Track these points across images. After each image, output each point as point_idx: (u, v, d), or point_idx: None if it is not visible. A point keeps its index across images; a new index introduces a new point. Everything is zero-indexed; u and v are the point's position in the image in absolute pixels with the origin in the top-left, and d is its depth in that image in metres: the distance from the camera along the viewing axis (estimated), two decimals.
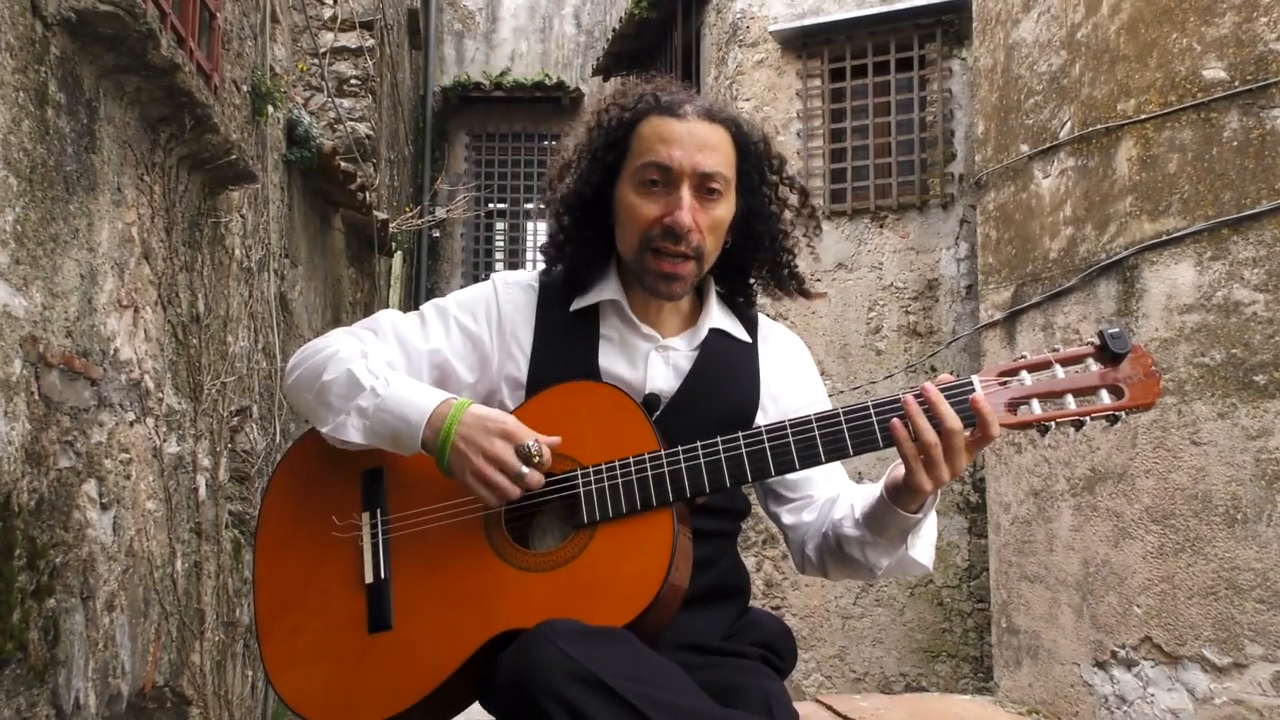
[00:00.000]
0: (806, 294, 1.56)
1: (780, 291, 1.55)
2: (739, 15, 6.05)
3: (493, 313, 1.49)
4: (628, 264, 1.46)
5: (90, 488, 1.92)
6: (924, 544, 1.42)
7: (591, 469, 1.31)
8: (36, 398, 1.71)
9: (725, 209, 1.43)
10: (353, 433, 1.36)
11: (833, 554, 1.46)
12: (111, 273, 2.04)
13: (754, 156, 1.45)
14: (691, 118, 1.41)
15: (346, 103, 5.54)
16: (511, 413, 1.41)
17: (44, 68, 1.72)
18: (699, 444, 1.30)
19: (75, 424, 1.86)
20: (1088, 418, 1.22)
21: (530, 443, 1.29)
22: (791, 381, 1.53)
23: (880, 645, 5.34)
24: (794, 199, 1.52)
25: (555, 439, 1.32)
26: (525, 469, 1.28)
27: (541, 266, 1.57)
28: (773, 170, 1.48)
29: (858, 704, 3.98)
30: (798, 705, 1.36)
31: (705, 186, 1.40)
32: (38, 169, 1.70)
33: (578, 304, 1.48)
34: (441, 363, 1.47)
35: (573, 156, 1.49)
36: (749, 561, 5.39)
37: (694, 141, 1.39)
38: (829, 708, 3.93)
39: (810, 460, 1.29)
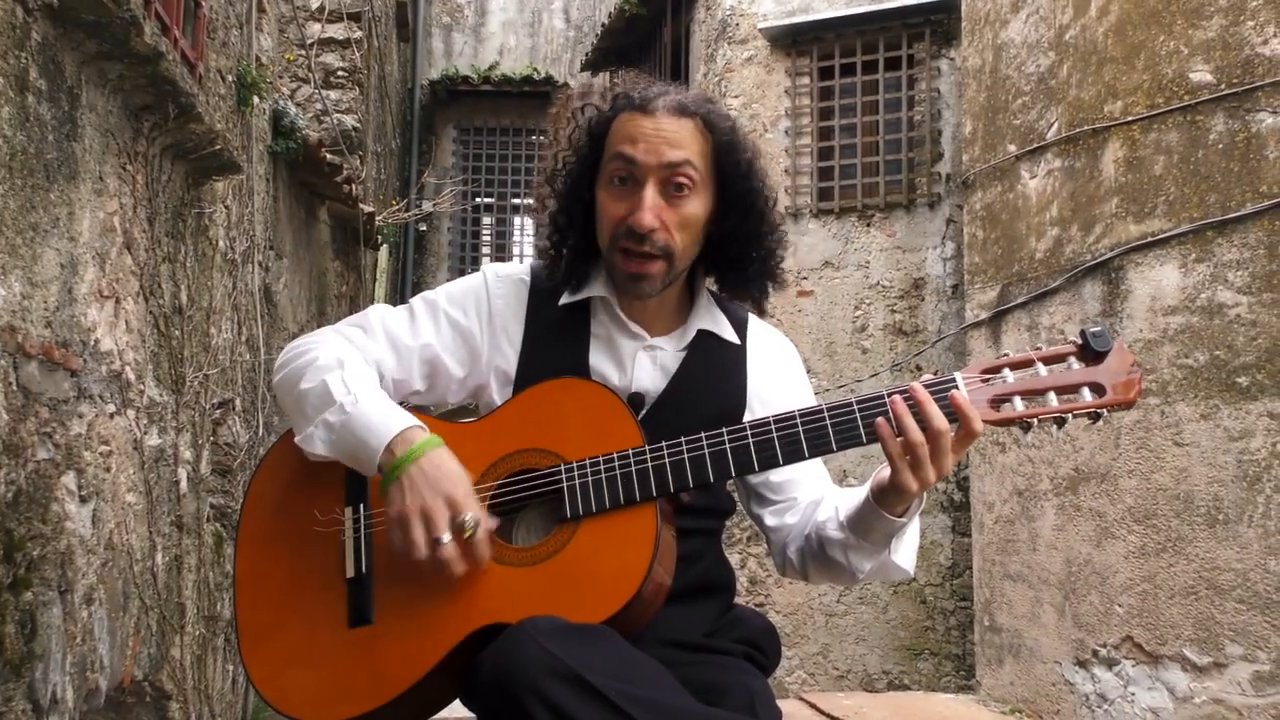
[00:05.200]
0: (761, 308, 1.53)
1: (754, 292, 1.52)
2: (728, 12, 6.05)
3: (483, 306, 1.49)
4: (606, 262, 1.45)
5: (69, 480, 1.90)
6: (906, 549, 1.42)
7: (575, 464, 1.30)
8: (15, 388, 1.69)
9: (696, 205, 1.40)
10: (319, 445, 1.34)
11: (815, 557, 1.45)
12: (92, 263, 2.02)
13: (726, 148, 1.42)
14: (660, 113, 1.39)
15: (333, 94, 5.50)
16: (498, 408, 1.41)
17: (24, 54, 1.70)
18: (683, 439, 1.30)
19: (54, 415, 1.84)
20: (1070, 415, 1.23)
21: (468, 517, 1.24)
22: (779, 384, 1.52)
23: (863, 643, 5.36)
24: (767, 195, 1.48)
25: (494, 523, 1.28)
26: (446, 536, 1.23)
27: (530, 259, 1.57)
28: (745, 166, 1.44)
29: (841, 702, 3.99)
30: (781, 703, 1.36)
31: (672, 180, 1.37)
32: (17, 156, 1.68)
33: (567, 299, 1.48)
34: (432, 358, 1.47)
35: (558, 165, 1.47)
36: (733, 559, 5.40)
37: (660, 136, 1.37)
38: (812, 705, 3.94)
39: (794, 455, 1.28)
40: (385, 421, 1.31)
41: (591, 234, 1.46)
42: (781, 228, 1.51)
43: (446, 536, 1.23)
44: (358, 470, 1.35)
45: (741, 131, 1.45)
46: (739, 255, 1.48)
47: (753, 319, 1.57)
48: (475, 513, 1.25)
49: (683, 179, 1.38)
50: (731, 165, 1.42)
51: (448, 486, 1.25)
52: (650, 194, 1.37)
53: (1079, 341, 1.26)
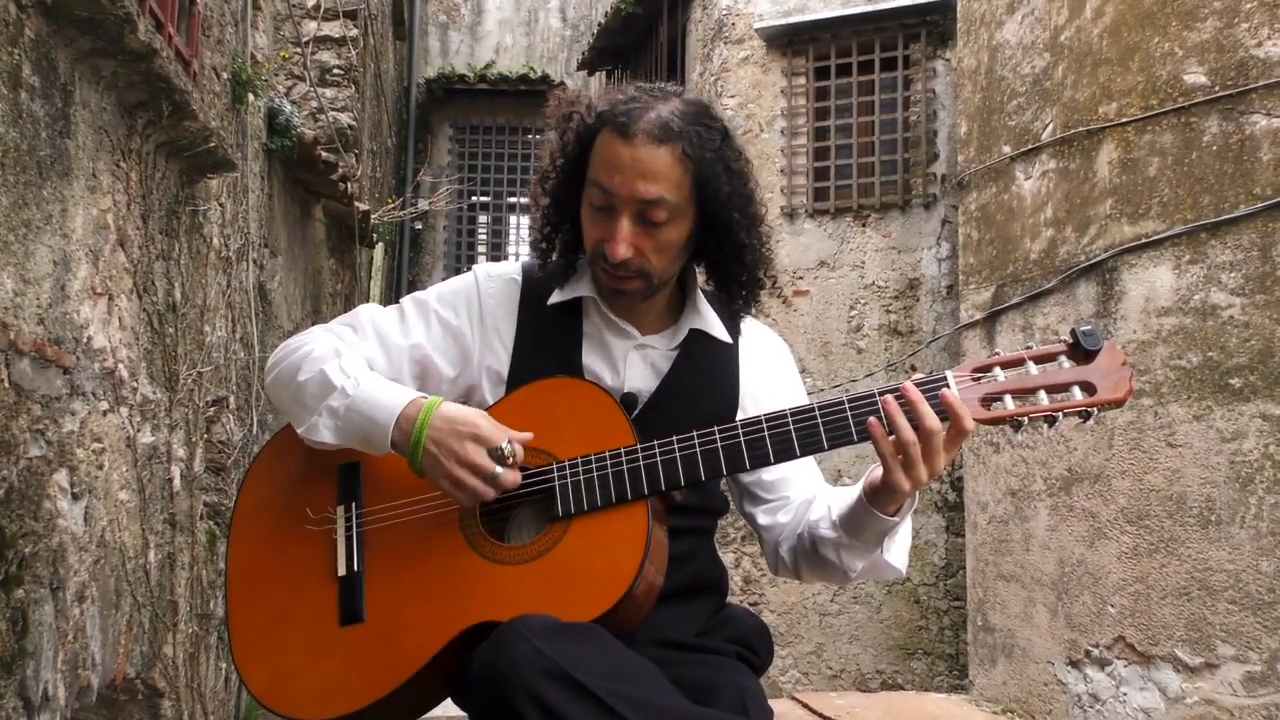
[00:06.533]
0: (748, 311, 1.51)
1: (739, 303, 1.49)
2: (725, 12, 6.05)
3: (474, 306, 1.49)
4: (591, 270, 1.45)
5: (61, 477, 1.90)
6: (899, 548, 1.42)
7: (567, 463, 1.31)
8: (6, 385, 1.68)
9: (674, 231, 1.37)
10: (325, 433, 1.35)
11: (807, 556, 1.45)
12: (86, 260, 2.01)
13: (705, 178, 1.36)
14: (639, 139, 1.33)
15: (329, 92, 5.50)
16: (490, 408, 1.41)
17: (18, 50, 1.69)
18: (675, 438, 1.30)
19: (46, 412, 1.83)
20: (1060, 414, 1.23)
21: (504, 444, 1.28)
22: (771, 383, 1.52)
23: (857, 642, 5.37)
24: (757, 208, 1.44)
25: (527, 435, 1.31)
26: (499, 469, 1.27)
27: (524, 259, 1.57)
28: (724, 197, 1.38)
29: (833, 702, 3.99)
30: (774, 702, 1.36)
31: (646, 214, 1.35)
32: (10, 153, 1.68)
33: (556, 298, 1.48)
34: (422, 358, 1.47)
35: (549, 165, 1.46)
36: (727, 558, 5.40)
37: (636, 169, 1.33)
38: (805, 705, 3.94)
39: (785, 453, 1.29)
40: (390, 399, 1.32)
41: (580, 236, 1.46)
42: (767, 247, 1.46)
43: (499, 470, 1.27)
44: (369, 451, 1.35)
45: (728, 149, 1.39)
46: (723, 271, 1.47)
47: (746, 317, 1.57)
48: (505, 439, 1.28)
49: (658, 211, 1.34)
50: (710, 194, 1.37)
51: (467, 429, 1.28)
52: (624, 225, 1.35)
53: (1070, 340, 1.26)
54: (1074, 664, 3.68)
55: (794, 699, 4.14)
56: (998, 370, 1.27)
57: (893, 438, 1.24)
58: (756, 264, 1.45)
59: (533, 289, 1.50)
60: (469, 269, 1.56)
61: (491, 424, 1.29)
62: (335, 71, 5.61)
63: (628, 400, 1.43)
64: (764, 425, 1.29)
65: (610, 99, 1.41)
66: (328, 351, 1.39)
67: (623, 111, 1.36)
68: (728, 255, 1.44)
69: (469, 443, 1.27)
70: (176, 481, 2.56)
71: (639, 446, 1.30)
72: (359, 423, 1.32)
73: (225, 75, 2.88)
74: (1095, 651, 3.57)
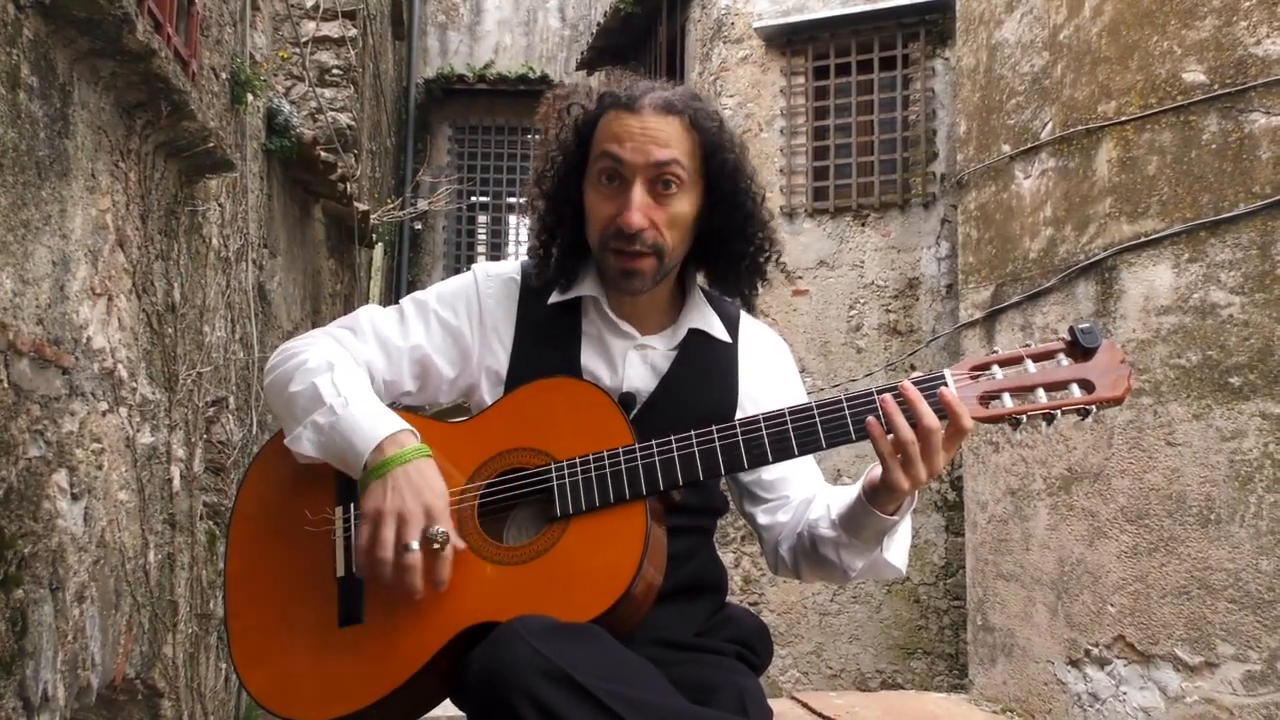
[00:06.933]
0: (749, 305, 1.51)
1: (743, 289, 1.50)
2: (724, 11, 6.05)
3: (473, 306, 1.49)
4: (596, 260, 1.45)
5: (61, 478, 1.90)
6: (899, 547, 1.42)
7: (565, 463, 1.31)
8: (6, 386, 1.68)
9: (684, 203, 1.39)
10: (307, 446, 1.34)
11: (807, 555, 1.45)
12: (85, 260, 2.01)
13: (712, 147, 1.40)
14: (646, 111, 1.38)
15: (328, 92, 5.50)
16: (489, 407, 1.41)
17: (16, 51, 1.69)
18: (673, 437, 1.30)
19: (46, 413, 1.83)
20: (1059, 411, 1.23)
21: (440, 530, 1.24)
22: (771, 383, 1.52)
23: (857, 642, 5.37)
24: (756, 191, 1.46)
25: (463, 546, 1.28)
26: (413, 547, 1.23)
27: (521, 258, 1.57)
28: (731, 165, 1.42)
29: (833, 701, 3.99)
30: (773, 702, 1.36)
31: (660, 179, 1.36)
32: (8, 153, 1.68)
33: (556, 298, 1.48)
34: (422, 358, 1.47)
35: (545, 164, 1.47)
36: (727, 558, 5.40)
37: (646, 135, 1.36)
38: (805, 705, 3.94)
39: (783, 453, 1.28)
40: (374, 424, 1.30)
41: (581, 233, 1.45)
42: (771, 224, 1.48)
43: (416, 544, 1.23)
44: (347, 472, 1.35)
45: (729, 129, 1.43)
46: (728, 252, 1.47)
47: (745, 317, 1.57)
48: (446, 528, 1.25)
49: (670, 177, 1.37)
50: (718, 164, 1.40)
51: (429, 497, 1.25)
52: (638, 193, 1.36)
53: (1068, 338, 1.26)
54: (1074, 663, 3.68)
55: (794, 698, 4.14)
56: (996, 368, 1.27)
57: (891, 437, 1.24)
58: (762, 241, 1.46)
59: (532, 288, 1.50)
60: (468, 269, 1.55)
61: (445, 509, 1.26)
62: (334, 72, 5.61)
63: (626, 400, 1.42)
64: (762, 424, 1.29)
65: (608, 87, 1.43)
66: (322, 363, 1.38)
67: (625, 91, 1.40)
68: (734, 232, 1.44)
69: (418, 507, 1.24)
70: (176, 482, 2.56)
71: (637, 446, 1.30)
72: (339, 443, 1.31)
73: (224, 75, 2.88)
74: (1095, 651, 3.57)
